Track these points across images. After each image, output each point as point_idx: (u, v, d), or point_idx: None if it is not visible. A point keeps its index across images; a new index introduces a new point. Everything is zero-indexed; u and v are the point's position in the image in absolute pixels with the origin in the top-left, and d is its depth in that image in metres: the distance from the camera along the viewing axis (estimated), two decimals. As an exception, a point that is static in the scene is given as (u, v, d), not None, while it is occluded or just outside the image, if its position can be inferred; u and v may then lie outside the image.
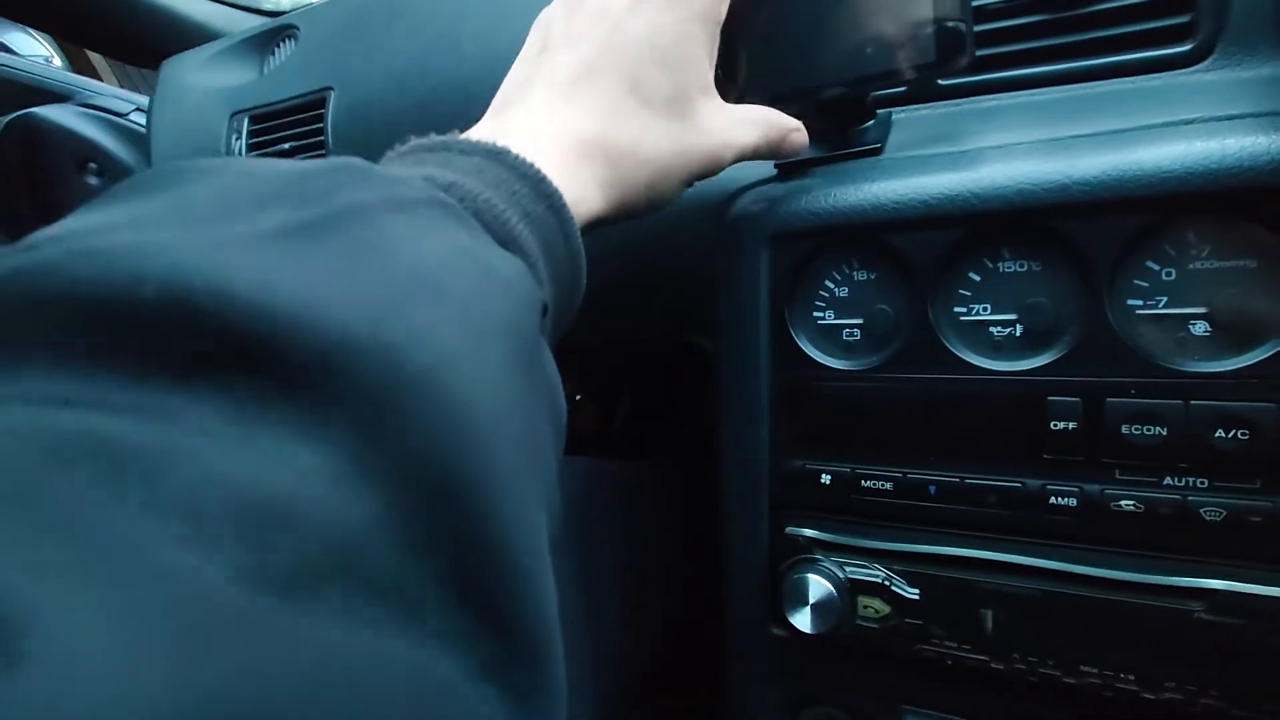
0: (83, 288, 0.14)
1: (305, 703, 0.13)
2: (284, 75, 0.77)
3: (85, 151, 0.99)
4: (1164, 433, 0.32)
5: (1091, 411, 0.34)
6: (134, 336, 0.14)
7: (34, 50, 1.26)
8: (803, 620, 0.40)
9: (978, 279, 0.36)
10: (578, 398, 0.99)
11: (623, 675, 0.71)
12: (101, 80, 1.25)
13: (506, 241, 0.24)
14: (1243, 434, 0.31)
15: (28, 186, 0.96)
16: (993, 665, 0.37)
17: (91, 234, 0.16)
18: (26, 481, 0.12)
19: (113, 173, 1.00)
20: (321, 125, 0.71)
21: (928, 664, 0.39)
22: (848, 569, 0.40)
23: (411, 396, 0.16)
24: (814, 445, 0.41)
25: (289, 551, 0.14)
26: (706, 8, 0.33)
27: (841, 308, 0.39)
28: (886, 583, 0.39)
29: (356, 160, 0.22)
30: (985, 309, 0.36)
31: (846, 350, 0.40)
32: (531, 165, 0.27)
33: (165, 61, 0.87)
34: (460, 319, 0.18)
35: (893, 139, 0.41)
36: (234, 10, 0.95)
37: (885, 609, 0.39)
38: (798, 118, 0.38)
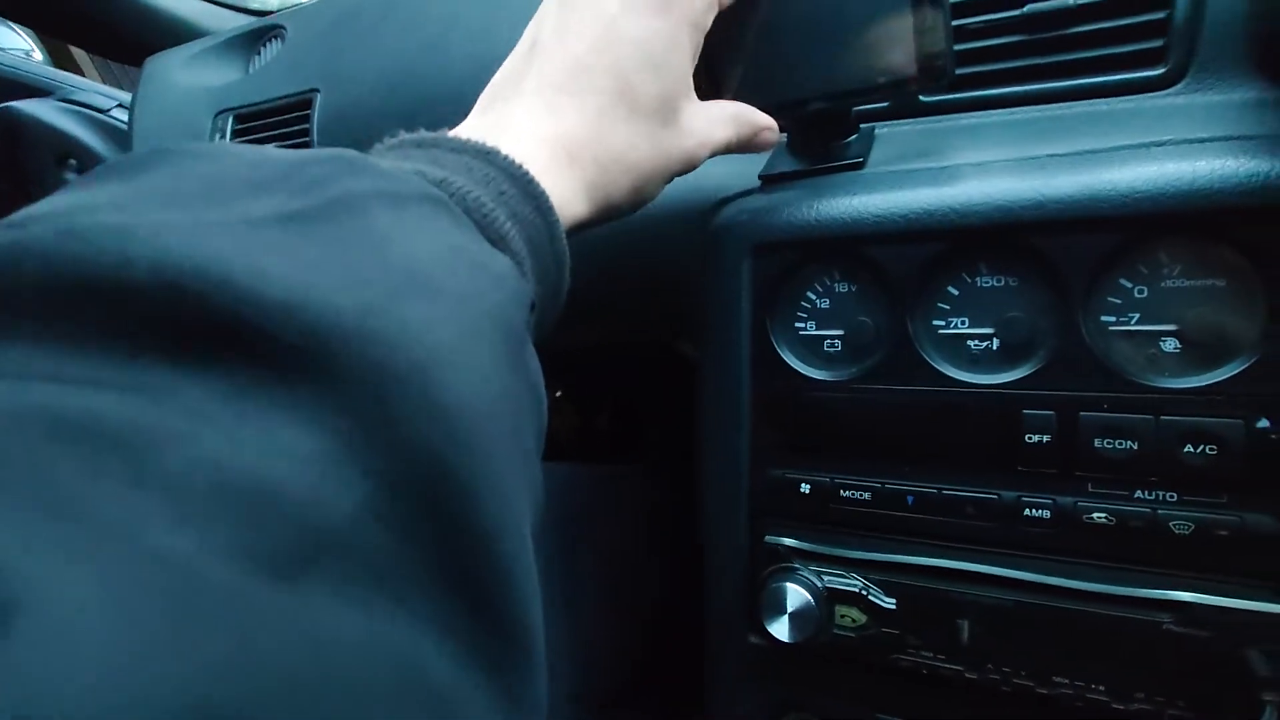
0: (72, 267, 0.14)
1: (295, 681, 0.13)
2: (270, 75, 0.77)
3: (65, 147, 0.97)
4: (1135, 447, 0.33)
5: (1065, 425, 0.34)
6: (124, 317, 0.14)
7: (14, 44, 1.25)
8: (780, 629, 0.40)
9: (956, 293, 0.37)
10: (557, 394, 0.99)
11: (602, 679, 0.71)
12: (84, 76, 1.24)
13: (495, 239, 0.24)
14: (1211, 449, 0.32)
15: (5, 181, 0.95)
16: (967, 675, 0.37)
17: (80, 213, 0.16)
18: (18, 457, 0.12)
19: (93, 168, 0.99)
20: (307, 126, 0.71)
21: (904, 673, 0.39)
22: (826, 578, 0.40)
23: (405, 385, 0.16)
24: (794, 455, 0.41)
25: (279, 533, 0.14)
26: (697, 14, 0.34)
27: (823, 319, 0.40)
28: (864, 592, 0.39)
29: (350, 151, 0.22)
30: (963, 323, 0.37)
31: (827, 361, 0.40)
32: (520, 166, 0.27)
33: (149, 58, 0.86)
34: (454, 313, 0.19)
35: (875, 153, 0.42)
36: (220, 8, 0.94)
37: (862, 618, 0.39)
38: (782, 130, 0.39)
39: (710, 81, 0.39)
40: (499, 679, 0.17)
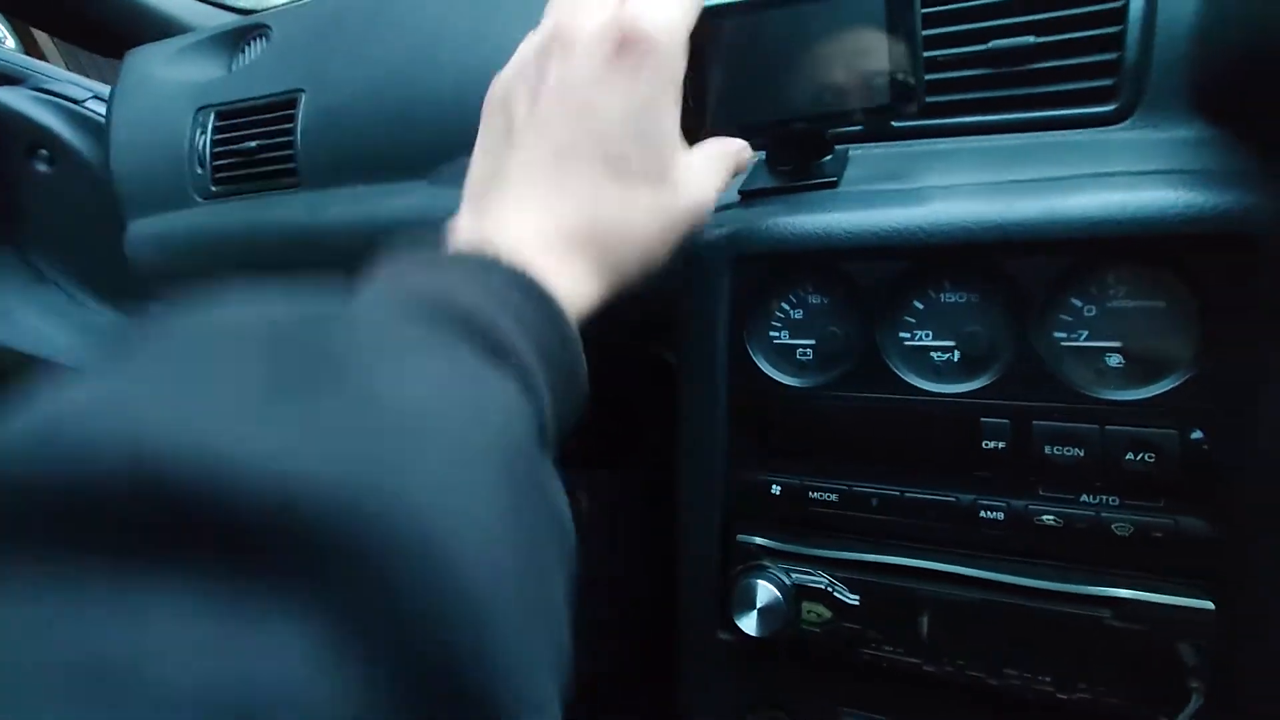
0: (49, 470, 0.14)
1: None
2: (254, 73, 0.77)
3: (37, 137, 0.96)
4: (1082, 454, 0.35)
5: (1019, 433, 0.37)
6: (104, 521, 0.14)
7: (-16, 30, 1.23)
8: (749, 623, 0.42)
9: (921, 307, 0.39)
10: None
11: (574, 677, 0.72)
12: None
13: (500, 353, 0.23)
14: (1149, 457, 0.34)
15: (-26, 169, 0.93)
16: (925, 668, 0.40)
17: (60, 412, 0.15)
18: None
19: (64, 160, 0.97)
20: (291, 126, 0.72)
21: (866, 668, 0.41)
22: (794, 575, 0.42)
23: (400, 571, 0.15)
24: (766, 458, 0.43)
25: None
26: (673, 70, 0.32)
27: (796, 329, 0.42)
28: (829, 589, 0.41)
29: (339, 301, 0.21)
30: (927, 335, 0.39)
31: (799, 369, 0.42)
32: (523, 273, 0.26)
33: (129, 52, 0.86)
34: (451, 469, 0.17)
35: (849, 173, 0.44)
36: (205, 6, 0.94)
37: (827, 614, 0.41)
38: (762, 148, 0.41)
39: (695, 110, 0.41)
40: None
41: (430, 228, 0.30)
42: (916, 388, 0.39)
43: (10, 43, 1.23)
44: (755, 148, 0.41)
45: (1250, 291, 0.32)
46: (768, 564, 0.43)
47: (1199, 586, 0.34)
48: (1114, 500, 0.36)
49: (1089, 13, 0.41)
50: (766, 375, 0.42)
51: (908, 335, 0.39)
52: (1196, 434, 0.34)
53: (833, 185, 0.43)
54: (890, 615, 0.40)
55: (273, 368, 0.17)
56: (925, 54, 0.43)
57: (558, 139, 0.31)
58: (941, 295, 0.39)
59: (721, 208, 0.45)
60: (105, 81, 0.94)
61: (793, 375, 0.42)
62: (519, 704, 0.16)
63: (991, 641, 0.38)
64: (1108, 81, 0.41)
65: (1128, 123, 0.41)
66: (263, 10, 0.90)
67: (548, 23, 0.33)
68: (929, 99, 0.44)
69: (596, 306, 0.31)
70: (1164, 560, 0.35)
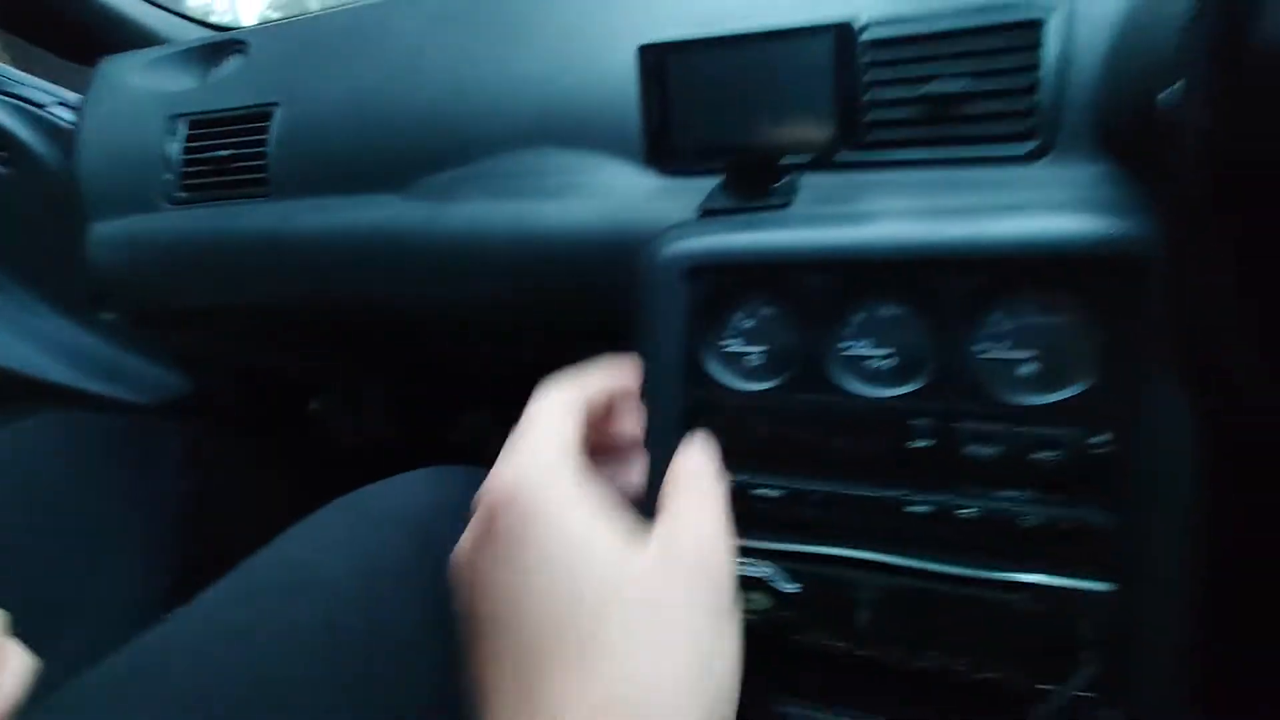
0: None
1: None
2: (229, 85, 0.79)
3: (-3, 139, 0.96)
4: (997, 453, 0.39)
5: (943, 433, 0.40)
6: None
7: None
8: (695, 613, 0.44)
9: (858, 318, 0.43)
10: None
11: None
12: None
13: None
14: (1056, 455, 0.38)
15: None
16: (856, 652, 0.42)
17: None
18: None
19: (24, 164, 0.97)
20: (264, 138, 0.73)
21: (798, 654, 0.44)
22: (738, 565, 0.45)
23: None
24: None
25: None
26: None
27: (746, 336, 0.45)
28: (769, 579, 0.44)
29: None
30: (864, 344, 0.43)
31: (748, 375, 0.45)
32: None
33: (103, 59, 0.87)
34: None
35: (799, 197, 0.48)
36: (184, 22, 0.96)
37: (767, 603, 0.44)
38: (720, 172, 0.45)
39: (663, 136, 0.45)
40: None
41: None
42: (852, 392, 0.42)
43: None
44: (714, 171, 0.45)
45: (1138, 309, 0.37)
46: (714, 557, 0.45)
47: (1096, 570, 0.38)
48: (1026, 494, 0.39)
49: (1010, 66, 0.47)
50: (716, 380, 0.46)
51: (846, 344, 0.43)
52: (1095, 436, 0.38)
53: (784, 206, 0.47)
54: (826, 602, 0.43)
55: None
56: (867, 96, 0.48)
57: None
58: (877, 308, 0.43)
59: (680, 224, 0.48)
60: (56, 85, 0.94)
61: (742, 380, 0.45)
62: None
63: (917, 626, 0.41)
64: (1026, 124, 0.46)
65: (1043, 161, 0.46)
66: (240, 28, 0.92)
67: None
68: (871, 136, 0.49)
69: None
70: (1067, 549, 0.39)
